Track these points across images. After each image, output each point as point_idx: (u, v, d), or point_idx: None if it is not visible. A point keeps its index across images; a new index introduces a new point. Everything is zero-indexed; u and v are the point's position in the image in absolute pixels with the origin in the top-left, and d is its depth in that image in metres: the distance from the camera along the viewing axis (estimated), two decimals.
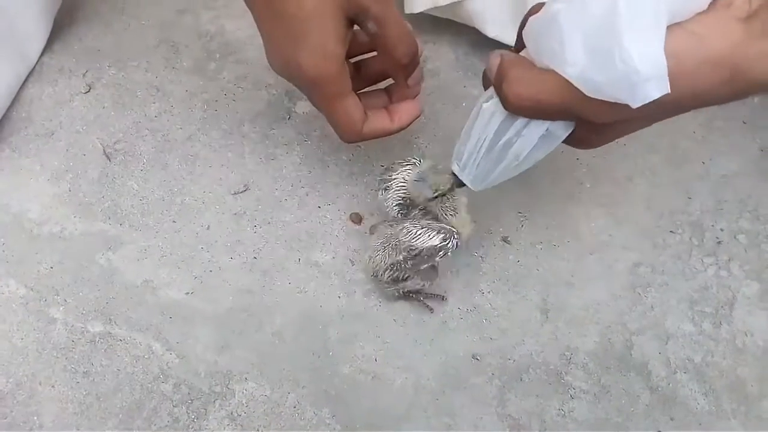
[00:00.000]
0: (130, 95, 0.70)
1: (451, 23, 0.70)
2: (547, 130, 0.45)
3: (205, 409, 0.55)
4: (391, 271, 0.55)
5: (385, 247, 0.55)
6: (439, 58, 0.72)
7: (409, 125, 0.58)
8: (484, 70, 0.48)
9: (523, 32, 0.45)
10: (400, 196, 0.57)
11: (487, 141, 0.48)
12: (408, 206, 0.57)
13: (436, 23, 0.71)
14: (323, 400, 0.55)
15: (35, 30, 0.70)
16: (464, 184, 0.52)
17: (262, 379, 0.56)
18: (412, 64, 0.54)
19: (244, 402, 0.55)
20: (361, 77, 0.58)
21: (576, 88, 0.40)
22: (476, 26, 0.68)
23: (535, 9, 0.44)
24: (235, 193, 0.64)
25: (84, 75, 0.71)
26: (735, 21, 0.38)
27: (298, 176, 0.65)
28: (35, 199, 0.64)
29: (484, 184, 0.51)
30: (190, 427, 0.54)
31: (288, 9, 0.48)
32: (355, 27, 0.52)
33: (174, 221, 0.63)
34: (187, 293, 0.60)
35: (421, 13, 0.67)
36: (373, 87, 0.59)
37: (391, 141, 0.65)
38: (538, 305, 0.59)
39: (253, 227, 0.63)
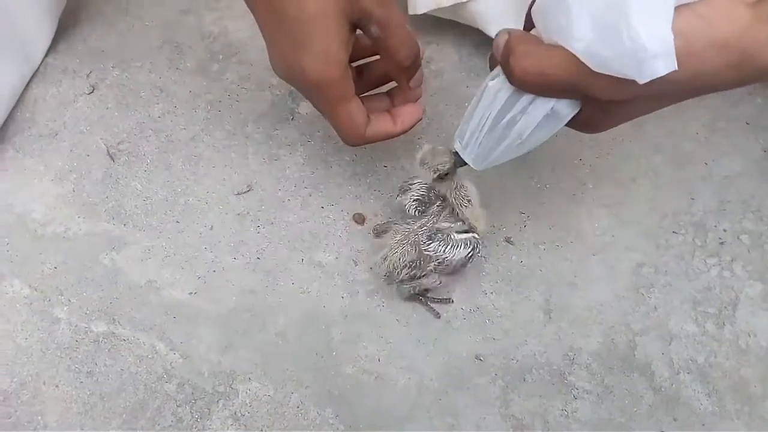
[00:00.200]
0: (134, 96, 0.70)
1: (454, 24, 0.70)
2: (551, 108, 0.45)
3: (209, 409, 0.55)
4: (408, 268, 0.55)
5: (403, 245, 0.55)
6: (442, 59, 0.72)
7: (411, 128, 0.58)
8: (491, 51, 0.47)
9: (532, 11, 0.45)
10: (417, 196, 0.57)
11: (491, 118, 0.47)
12: (426, 204, 0.57)
13: (439, 24, 0.71)
14: (326, 400, 0.55)
15: (39, 31, 0.70)
16: (465, 164, 0.52)
17: (265, 379, 0.56)
18: (414, 66, 0.54)
19: (247, 402, 0.55)
20: (364, 81, 0.58)
21: (582, 63, 0.40)
22: (480, 27, 0.68)
23: None
24: (238, 194, 0.64)
25: (88, 76, 0.71)
26: (743, 5, 0.39)
27: (301, 177, 0.65)
28: (39, 200, 0.64)
29: (486, 163, 0.51)
30: (194, 426, 0.55)
31: (290, 13, 0.48)
32: (357, 31, 0.52)
33: (177, 221, 0.63)
34: (191, 293, 0.60)
35: (424, 14, 0.68)
36: (376, 90, 0.60)
37: (394, 142, 0.65)
38: (541, 306, 0.59)
39: (257, 227, 0.63)
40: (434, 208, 0.56)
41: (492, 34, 0.67)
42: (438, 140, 0.67)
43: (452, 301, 0.59)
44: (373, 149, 0.66)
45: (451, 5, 0.66)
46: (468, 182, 0.55)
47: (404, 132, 0.58)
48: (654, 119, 0.67)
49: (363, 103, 0.55)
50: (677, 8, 0.38)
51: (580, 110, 0.46)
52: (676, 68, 0.38)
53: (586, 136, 0.66)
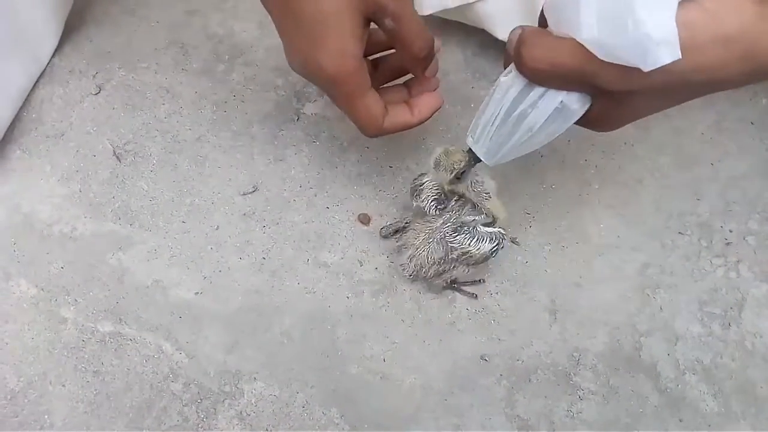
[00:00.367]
0: (140, 96, 0.70)
1: (459, 25, 0.70)
2: (561, 102, 0.46)
3: (215, 409, 0.55)
4: (437, 265, 0.56)
5: (428, 243, 0.56)
6: (447, 60, 0.72)
7: (429, 117, 0.58)
8: (505, 47, 0.48)
9: (544, 7, 0.46)
10: (434, 195, 0.57)
11: (502, 112, 0.48)
12: (444, 201, 0.57)
13: (445, 25, 0.71)
14: (332, 400, 0.56)
15: (47, 31, 0.70)
16: (479, 160, 0.52)
17: (271, 379, 0.56)
18: (428, 57, 0.55)
19: (253, 401, 0.56)
20: (380, 73, 0.59)
21: (590, 53, 0.41)
22: (486, 28, 0.68)
23: None
24: (244, 194, 0.65)
25: (94, 76, 0.72)
26: (748, 1, 0.39)
27: (306, 177, 0.65)
28: (46, 200, 0.64)
29: (497, 158, 0.51)
30: (200, 426, 0.55)
31: (306, 10, 0.49)
32: (372, 25, 0.52)
33: (183, 221, 0.63)
34: (197, 293, 0.60)
35: (429, 15, 0.68)
36: (394, 82, 0.60)
37: (399, 142, 0.65)
38: (547, 306, 0.59)
39: (262, 228, 0.63)
40: (452, 203, 0.57)
41: (498, 35, 0.68)
42: (444, 141, 0.67)
43: (484, 281, 0.60)
44: (378, 150, 0.66)
45: (457, 6, 0.66)
46: (485, 176, 0.56)
47: (422, 122, 0.58)
48: (660, 120, 0.67)
49: (381, 95, 0.55)
50: (683, 2, 0.39)
51: (591, 106, 0.46)
52: (680, 56, 0.39)
53: (592, 136, 0.66)
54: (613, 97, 0.44)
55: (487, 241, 0.55)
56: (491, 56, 0.71)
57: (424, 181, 0.57)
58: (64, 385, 0.56)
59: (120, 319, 0.59)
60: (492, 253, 0.55)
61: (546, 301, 0.59)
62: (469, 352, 0.57)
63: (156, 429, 0.55)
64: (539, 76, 0.45)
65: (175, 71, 0.72)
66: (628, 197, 0.64)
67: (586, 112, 0.47)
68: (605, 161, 0.65)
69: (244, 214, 0.64)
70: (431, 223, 0.57)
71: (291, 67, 0.54)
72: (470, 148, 0.52)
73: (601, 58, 0.41)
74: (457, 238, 0.55)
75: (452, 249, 0.55)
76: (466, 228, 0.55)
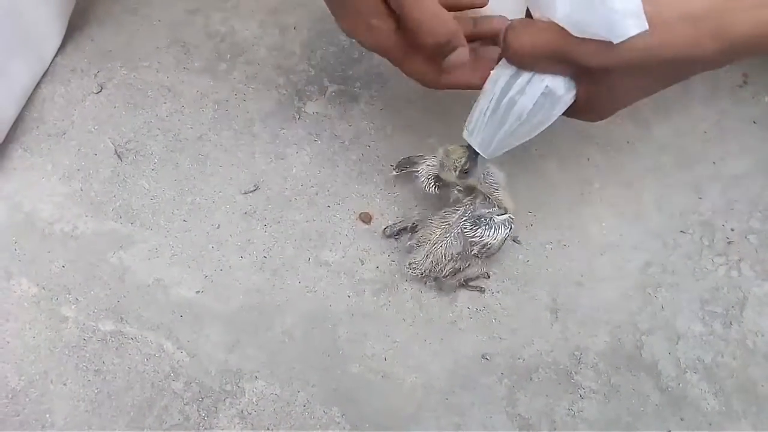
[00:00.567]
0: (142, 95, 0.70)
1: None
2: (547, 87, 0.48)
3: (216, 408, 0.55)
4: (453, 261, 0.56)
5: (445, 238, 0.56)
6: None
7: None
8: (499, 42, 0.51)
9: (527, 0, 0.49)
10: (433, 175, 0.59)
11: (493, 102, 0.50)
12: (443, 183, 0.58)
13: None
14: (333, 399, 0.56)
15: (50, 30, 0.70)
16: (478, 153, 0.53)
17: (272, 378, 0.56)
18: (439, 49, 0.52)
19: (254, 400, 0.56)
20: None
21: (567, 32, 0.44)
22: None
23: None
24: (245, 193, 0.65)
25: (96, 75, 0.72)
26: None
27: (307, 176, 0.65)
28: (47, 199, 0.64)
29: (491, 149, 0.53)
30: (201, 425, 0.55)
31: None
32: None
33: (185, 220, 0.63)
34: (198, 292, 0.60)
35: None
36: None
37: (401, 140, 0.65)
38: (548, 305, 0.59)
39: (263, 226, 0.63)
40: (455, 191, 0.58)
41: None
42: (446, 140, 0.66)
43: (488, 275, 0.60)
44: (379, 148, 0.66)
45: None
46: (493, 167, 0.57)
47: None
48: (661, 119, 0.67)
49: None
50: None
51: (576, 93, 0.49)
52: (647, 28, 0.42)
53: (593, 135, 0.66)
54: (594, 78, 0.47)
55: (502, 228, 0.56)
56: None
57: (421, 162, 0.59)
58: (65, 384, 0.56)
59: (121, 318, 0.59)
60: (506, 238, 0.57)
61: (547, 300, 0.59)
62: (470, 351, 0.57)
63: (157, 428, 0.55)
64: (523, 59, 0.48)
65: (177, 70, 0.72)
66: (629, 196, 0.64)
67: (574, 104, 0.49)
68: (607, 160, 0.65)
69: (246, 213, 0.64)
70: (446, 218, 0.57)
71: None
72: (469, 144, 0.53)
73: (576, 34, 0.44)
74: (478, 231, 0.56)
75: (472, 243, 0.56)
76: (483, 220, 0.56)
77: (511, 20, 0.49)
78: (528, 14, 0.50)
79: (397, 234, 0.61)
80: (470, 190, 0.58)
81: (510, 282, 0.60)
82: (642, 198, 0.64)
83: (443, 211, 0.58)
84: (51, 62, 0.71)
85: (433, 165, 0.59)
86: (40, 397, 0.56)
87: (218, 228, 0.63)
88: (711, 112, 0.67)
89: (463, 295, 0.59)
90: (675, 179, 0.64)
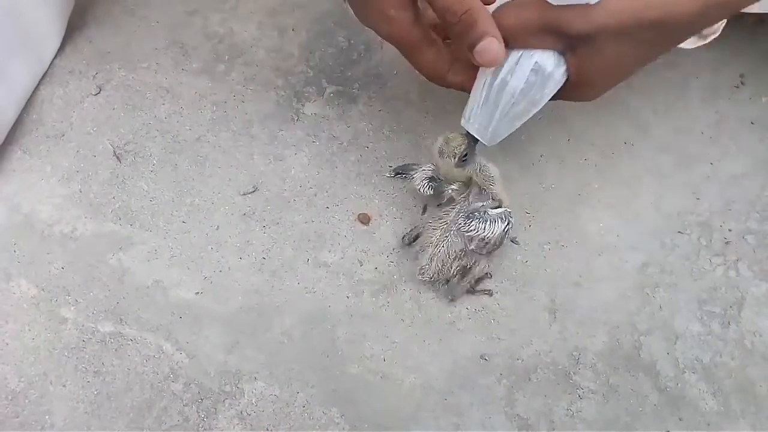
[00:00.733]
0: (140, 97, 0.70)
1: None
2: (536, 63, 0.50)
3: (215, 409, 0.55)
4: (459, 259, 0.57)
5: (446, 237, 0.56)
6: None
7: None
8: None
9: None
10: (428, 175, 0.59)
11: (486, 85, 0.52)
12: (437, 180, 0.59)
13: None
14: (332, 400, 0.56)
15: (50, 32, 0.70)
16: (477, 140, 0.54)
17: (271, 379, 0.56)
18: (463, 31, 0.51)
19: (253, 401, 0.56)
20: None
21: (547, 3, 0.48)
22: None
23: None
24: (244, 194, 0.65)
25: (94, 77, 0.72)
26: None
27: (306, 177, 0.65)
28: (46, 200, 0.65)
29: (489, 133, 0.53)
30: (200, 426, 0.55)
31: None
32: None
33: (184, 222, 0.63)
34: (197, 293, 0.60)
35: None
36: None
37: (399, 141, 0.65)
38: (546, 306, 0.59)
39: (262, 228, 0.63)
40: (448, 190, 0.58)
41: None
42: None
43: (490, 275, 0.60)
44: (377, 149, 0.66)
45: None
46: (488, 162, 0.57)
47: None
48: (659, 120, 0.67)
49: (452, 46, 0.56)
50: None
51: (567, 68, 0.50)
52: None
53: (591, 135, 0.66)
54: (580, 47, 0.49)
55: (499, 222, 0.56)
56: None
57: (413, 176, 0.60)
58: (64, 386, 0.57)
59: (120, 320, 0.59)
60: (505, 233, 0.57)
61: (546, 301, 0.59)
62: (469, 352, 0.57)
63: (156, 429, 0.55)
64: (510, 36, 0.49)
65: (175, 71, 0.72)
66: (627, 197, 0.64)
67: (565, 82, 0.51)
68: (605, 161, 0.65)
69: (244, 214, 0.64)
70: (443, 218, 0.57)
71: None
72: (468, 132, 0.54)
73: (554, 3, 0.47)
74: (472, 224, 0.56)
75: (469, 238, 0.56)
76: (477, 213, 0.56)
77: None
78: None
79: (415, 240, 0.61)
80: (465, 187, 0.58)
81: (508, 282, 0.60)
82: (640, 198, 0.64)
83: (441, 211, 0.58)
84: (50, 64, 0.71)
85: (429, 171, 0.59)
86: (39, 399, 0.56)
87: (217, 229, 0.63)
88: (709, 113, 0.68)
89: (462, 295, 0.59)
90: (673, 180, 0.65)
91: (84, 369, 0.57)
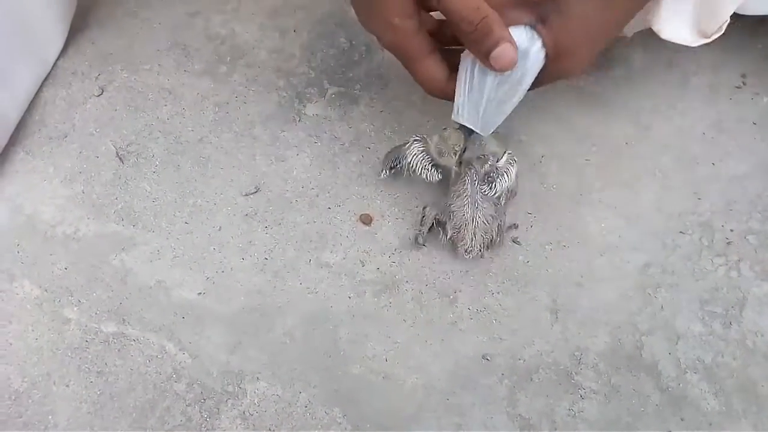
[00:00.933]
0: (142, 98, 0.70)
1: None
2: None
3: (218, 409, 0.56)
4: (495, 220, 0.58)
5: (476, 208, 0.58)
6: None
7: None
8: None
9: None
10: (421, 153, 0.60)
11: (468, 72, 0.52)
12: (432, 156, 0.60)
13: None
14: (334, 400, 0.56)
15: (53, 33, 0.71)
16: (471, 131, 0.55)
17: (273, 379, 0.57)
18: (480, 38, 0.51)
19: (255, 401, 0.56)
20: (446, 35, 0.58)
21: None
22: None
23: None
24: (246, 195, 0.65)
25: (97, 78, 0.72)
26: None
27: (308, 177, 0.66)
28: (49, 201, 0.65)
29: (481, 122, 0.54)
30: (203, 426, 0.55)
31: None
32: None
33: (186, 222, 0.64)
34: (200, 294, 0.60)
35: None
36: None
37: (400, 141, 0.65)
38: (548, 306, 0.59)
39: (264, 228, 0.63)
40: (456, 170, 0.59)
41: None
42: None
43: (516, 226, 0.62)
44: (379, 150, 0.66)
45: None
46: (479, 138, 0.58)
47: None
48: (660, 120, 0.67)
49: (450, 56, 0.55)
50: None
51: (544, 42, 0.51)
52: None
53: (593, 135, 0.66)
54: (550, 17, 0.50)
55: (511, 168, 0.59)
56: None
57: (408, 149, 0.60)
58: (67, 386, 0.57)
59: (123, 320, 0.59)
60: (518, 175, 0.59)
61: (547, 301, 0.59)
62: (470, 352, 0.58)
63: (159, 429, 0.55)
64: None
65: (177, 73, 0.72)
66: (629, 197, 0.64)
67: (546, 60, 0.51)
68: (606, 161, 0.66)
69: (247, 215, 0.64)
70: (463, 194, 0.58)
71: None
72: (461, 125, 0.55)
73: None
74: (495, 184, 0.58)
75: (498, 197, 0.58)
76: (493, 175, 0.58)
77: None
78: None
79: (426, 237, 0.61)
80: (467, 162, 0.59)
81: (510, 283, 0.60)
82: (641, 199, 0.64)
83: (453, 191, 0.59)
84: (52, 66, 0.72)
85: (420, 151, 0.60)
86: (42, 399, 0.56)
87: (219, 230, 0.63)
88: (710, 113, 0.68)
89: (464, 295, 0.60)
90: (674, 180, 0.65)
91: (87, 369, 0.57)
